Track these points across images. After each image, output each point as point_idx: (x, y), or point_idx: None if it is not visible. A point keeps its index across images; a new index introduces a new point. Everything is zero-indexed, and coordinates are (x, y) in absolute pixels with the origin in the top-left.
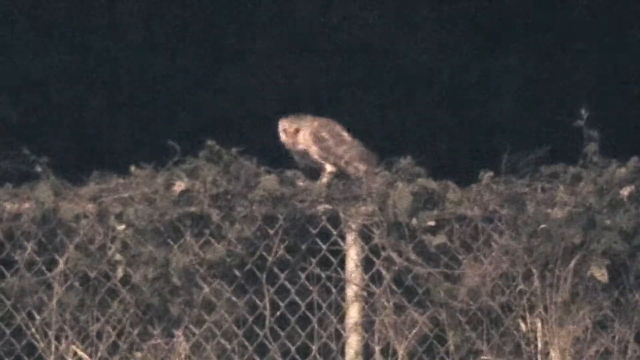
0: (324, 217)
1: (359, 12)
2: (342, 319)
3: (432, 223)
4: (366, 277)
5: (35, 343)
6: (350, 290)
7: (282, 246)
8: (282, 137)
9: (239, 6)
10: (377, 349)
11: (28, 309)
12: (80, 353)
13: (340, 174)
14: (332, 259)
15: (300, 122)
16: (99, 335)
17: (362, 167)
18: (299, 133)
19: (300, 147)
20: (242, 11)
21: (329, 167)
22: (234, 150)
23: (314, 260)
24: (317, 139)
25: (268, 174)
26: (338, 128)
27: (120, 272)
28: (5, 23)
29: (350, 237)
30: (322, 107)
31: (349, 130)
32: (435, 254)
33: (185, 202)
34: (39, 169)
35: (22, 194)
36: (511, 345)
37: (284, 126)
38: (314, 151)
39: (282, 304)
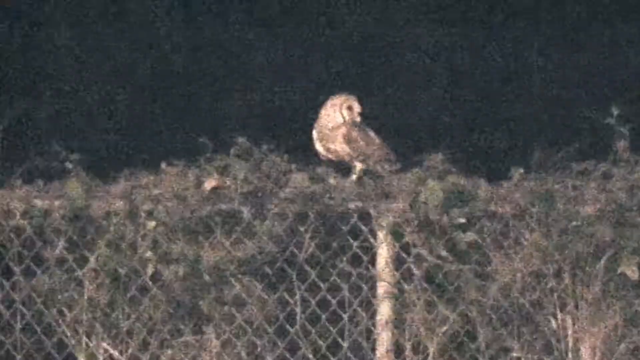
0: (354, 215)
1: (385, 6)
2: (373, 316)
3: (463, 220)
4: (397, 274)
5: (66, 340)
6: (381, 288)
7: (312, 243)
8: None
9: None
10: (408, 346)
11: (59, 306)
12: (110, 350)
13: (371, 171)
14: (363, 256)
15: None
16: (130, 332)
17: (387, 166)
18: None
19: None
20: (272, 9)
21: (358, 165)
22: (265, 147)
23: (345, 258)
24: (349, 140)
25: (299, 172)
26: (365, 128)
27: (150, 270)
28: (36, 21)
29: (381, 234)
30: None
31: (374, 130)
32: (466, 251)
33: (216, 199)
34: (69, 165)
35: (52, 191)
36: (542, 342)
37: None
38: (345, 152)
39: (313, 301)
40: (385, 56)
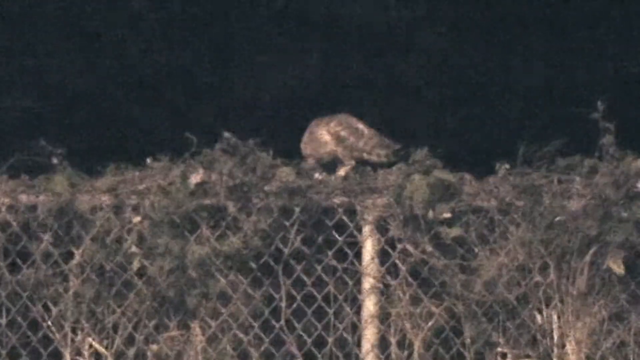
0: (340, 209)
1: (380, 6)
2: (358, 311)
3: (448, 215)
4: (382, 269)
5: (51, 335)
6: (367, 283)
7: (298, 238)
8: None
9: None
10: (393, 340)
11: (44, 301)
12: (96, 345)
13: (358, 166)
14: (349, 251)
15: (316, 131)
16: (115, 327)
17: (382, 152)
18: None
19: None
20: (258, 4)
21: (347, 161)
22: (250, 142)
23: (330, 252)
24: (339, 140)
25: (284, 166)
26: (353, 121)
27: (136, 264)
28: (24, 17)
29: (366, 229)
30: (337, 101)
31: (362, 120)
32: (451, 246)
33: (201, 194)
34: (55, 160)
35: (38, 185)
36: (527, 337)
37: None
38: (337, 151)
39: (298, 296)
40: (372, 53)
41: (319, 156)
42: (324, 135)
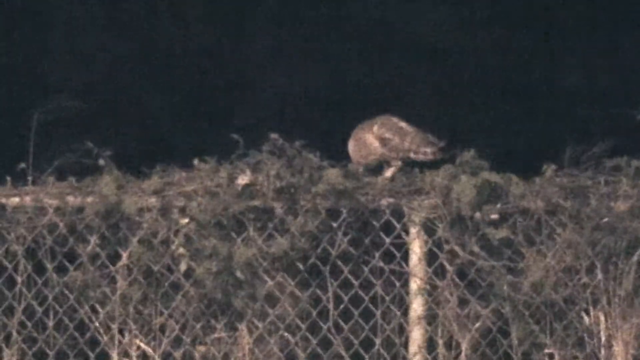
0: (387, 211)
1: (422, 9)
2: (405, 312)
3: (495, 216)
4: (430, 270)
5: (99, 337)
6: (414, 284)
7: (345, 239)
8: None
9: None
10: (440, 342)
11: (91, 303)
12: (143, 347)
13: (405, 167)
14: (396, 252)
15: (361, 136)
16: (162, 328)
17: (428, 150)
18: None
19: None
20: (306, 9)
21: (394, 162)
22: (297, 143)
23: (377, 254)
24: (383, 142)
25: (331, 168)
26: (395, 121)
27: (183, 266)
28: (71, 18)
29: (413, 231)
30: (382, 101)
31: (404, 119)
32: (498, 247)
33: (248, 195)
34: (102, 162)
35: (85, 187)
36: (574, 338)
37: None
38: (382, 153)
39: (345, 298)
40: (419, 55)
41: (368, 161)
42: (369, 139)
